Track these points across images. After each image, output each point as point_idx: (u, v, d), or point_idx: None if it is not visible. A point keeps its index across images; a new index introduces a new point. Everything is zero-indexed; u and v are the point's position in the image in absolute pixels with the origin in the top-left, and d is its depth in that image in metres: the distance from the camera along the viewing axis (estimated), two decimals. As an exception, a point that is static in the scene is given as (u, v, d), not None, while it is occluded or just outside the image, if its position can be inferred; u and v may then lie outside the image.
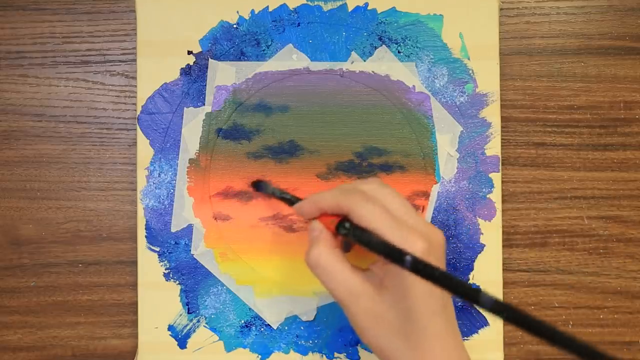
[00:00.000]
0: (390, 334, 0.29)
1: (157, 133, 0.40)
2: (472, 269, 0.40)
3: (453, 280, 0.24)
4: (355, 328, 0.30)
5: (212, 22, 0.40)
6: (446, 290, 0.24)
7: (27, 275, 0.41)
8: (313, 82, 0.40)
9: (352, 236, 0.29)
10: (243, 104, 0.40)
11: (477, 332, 0.40)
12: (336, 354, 0.40)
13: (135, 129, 0.40)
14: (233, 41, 0.40)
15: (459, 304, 0.40)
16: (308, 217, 0.32)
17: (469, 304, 0.23)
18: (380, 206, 0.29)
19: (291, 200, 0.35)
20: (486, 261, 0.40)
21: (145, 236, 0.40)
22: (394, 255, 0.27)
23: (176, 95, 0.40)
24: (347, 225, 0.30)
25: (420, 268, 0.25)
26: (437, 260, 0.29)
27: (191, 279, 0.40)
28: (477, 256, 0.40)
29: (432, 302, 0.28)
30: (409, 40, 0.40)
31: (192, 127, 0.40)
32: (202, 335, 0.40)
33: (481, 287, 0.40)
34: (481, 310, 0.23)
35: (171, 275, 0.40)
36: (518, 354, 0.41)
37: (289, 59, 0.40)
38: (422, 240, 0.28)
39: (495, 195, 0.40)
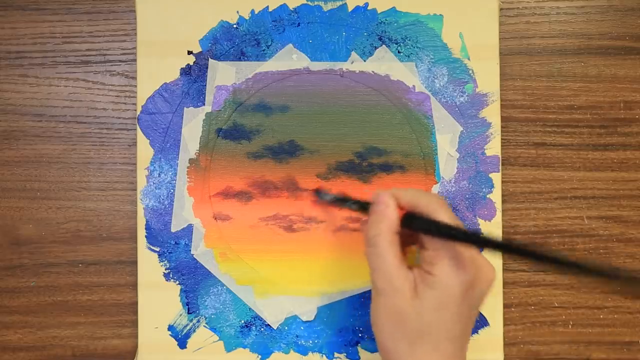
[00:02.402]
0: (402, 338, 0.29)
1: (157, 133, 0.40)
2: (472, 269, 0.40)
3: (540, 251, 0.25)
4: (373, 319, 0.30)
5: (212, 22, 0.40)
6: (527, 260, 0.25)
7: (27, 275, 0.41)
8: (313, 82, 0.40)
9: (427, 227, 0.29)
10: (243, 104, 0.40)
11: (477, 332, 0.40)
12: (336, 354, 0.40)
13: (135, 129, 0.40)
14: (233, 41, 0.40)
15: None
16: (382, 207, 0.32)
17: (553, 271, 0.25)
18: (456, 218, 0.30)
19: (353, 202, 0.36)
20: (486, 261, 0.40)
21: (145, 236, 0.40)
22: (474, 238, 0.27)
23: (176, 95, 0.40)
24: (423, 219, 0.30)
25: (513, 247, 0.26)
26: (482, 292, 0.30)
27: (191, 279, 0.40)
28: (477, 256, 0.40)
29: (455, 325, 0.29)
30: (409, 40, 0.40)
31: (192, 127, 0.40)
32: (202, 335, 0.40)
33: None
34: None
35: (171, 275, 0.40)
36: (518, 354, 0.41)
37: (289, 59, 0.40)
38: (473, 269, 0.29)
39: (495, 195, 0.40)
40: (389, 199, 0.31)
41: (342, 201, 0.37)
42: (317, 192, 0.40)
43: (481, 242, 0.27)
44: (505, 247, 0.27)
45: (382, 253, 0.30)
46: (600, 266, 0.23)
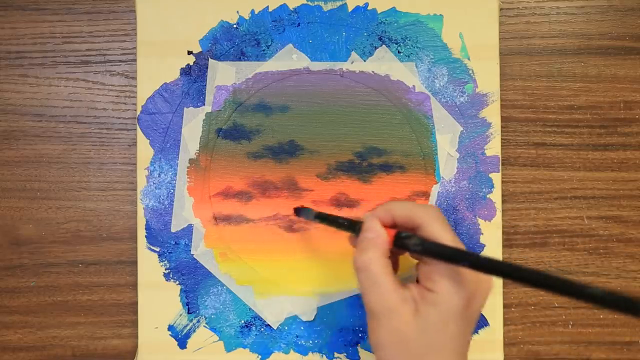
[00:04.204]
0: (406, 358, 0.28)
1: (157, 133, 0.40)
2: (472, 269, 0.40)
3: (543, 274, 0.24)
4: (374, 342, 0.29)
5: (212, 22, 0.40)
6: (527, 284, 0.25)
7: (27, 275, 0.41)
8: (313, 82, 0.40)
9: (420, 248, 0.29)
10: (243, 104, 0.40)
11: (477, 332, 0.40)
12: (336, 354, 0.40)
13: (135, 129, 0.40)
14: (233, 41, 0.40)
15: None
16: (371, 236, 0.31)
17: (560, 294, 0.24)
18: (451, 230, 0.30)
19: (339, 222, 0.34)
20: (486, 261, 0.40)
21: (145, 236, 0.40)
22: (468, 258, 0.27)
23: (176, 95, 0.40)
24: (415, 240, 0.29)
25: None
26: (480, 304, 0.30)
27: (191, 279, 0.40)
28: (477, 256, 0.40)
29: (459, 339, 0.29)
30: (409, 40, 0.40)
31: (192, 127, 0.40)
32: (202, 335, 0.40)
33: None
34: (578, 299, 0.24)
35: (171, 275, 0.40)
36: (518, 354, 0.41)
37: (289, 59, 0.40)
38: (473, 283, 0.29)
39: (495, 195, 0.40)
40: (379, 227, 0.30)
41: (327, 220, 0.35)
42: (299, 211, 0.38)
43: (476, 264, 0.27)
44: (503, 270, 0.26)
45: (376, 279, 0.29)
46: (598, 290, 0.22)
